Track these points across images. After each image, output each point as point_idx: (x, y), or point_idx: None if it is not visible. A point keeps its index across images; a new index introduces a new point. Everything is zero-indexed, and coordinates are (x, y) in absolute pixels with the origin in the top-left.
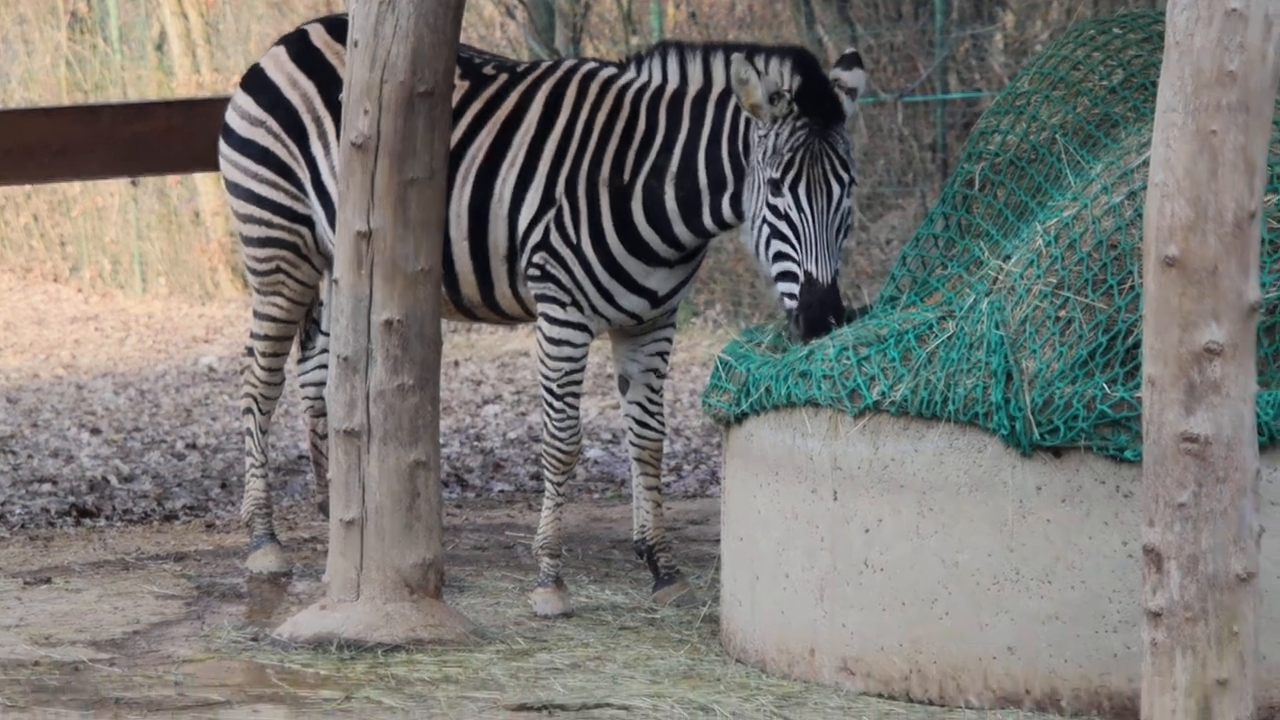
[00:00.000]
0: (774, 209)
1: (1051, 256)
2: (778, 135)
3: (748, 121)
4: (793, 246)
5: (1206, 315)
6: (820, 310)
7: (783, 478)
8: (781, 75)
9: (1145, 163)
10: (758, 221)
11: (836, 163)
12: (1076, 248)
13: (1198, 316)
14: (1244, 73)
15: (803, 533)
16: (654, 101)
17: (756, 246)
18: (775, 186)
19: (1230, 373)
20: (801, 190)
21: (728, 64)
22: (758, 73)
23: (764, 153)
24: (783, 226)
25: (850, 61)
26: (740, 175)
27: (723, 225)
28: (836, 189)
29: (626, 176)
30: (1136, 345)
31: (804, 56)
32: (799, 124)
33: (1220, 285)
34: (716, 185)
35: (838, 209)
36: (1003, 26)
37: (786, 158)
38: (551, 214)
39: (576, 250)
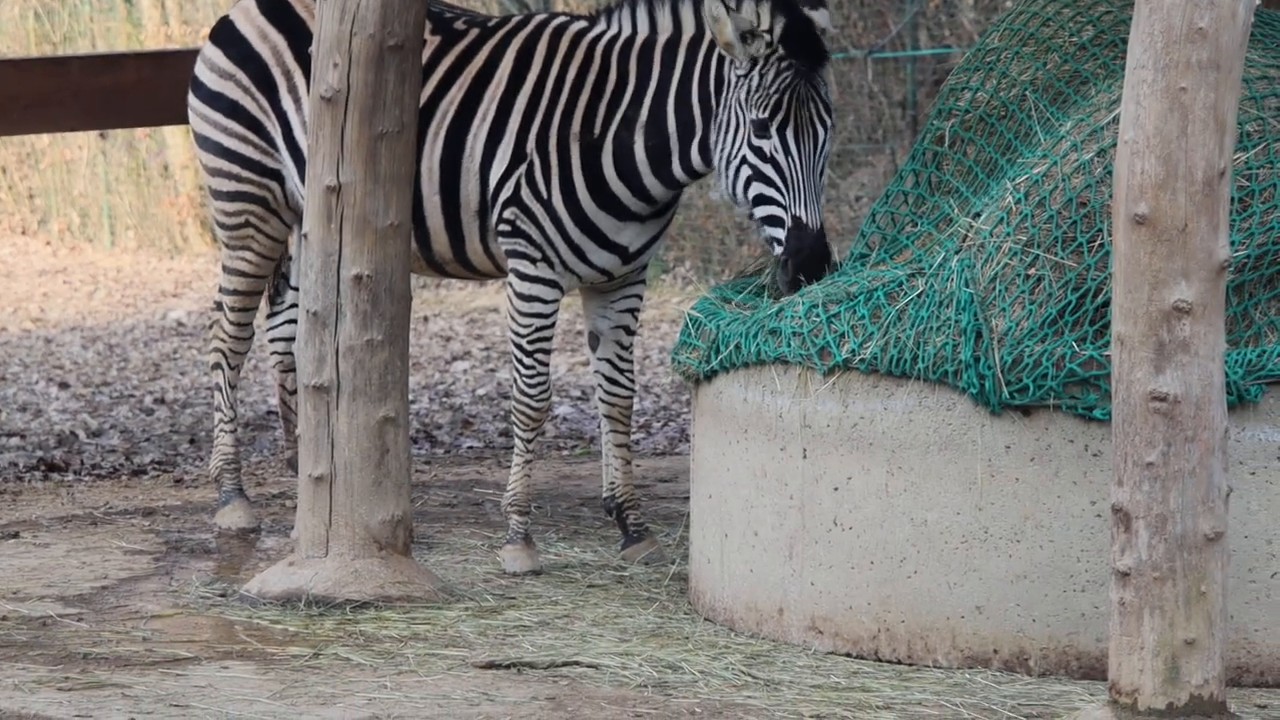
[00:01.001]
0: (758, 150)
1: (1021, 214)
2: (762, 75)
3: (719, 64)
4: (779, 190)
5: (1176, 274)
6: (811, 256)
7: (752, 435)
8: (759, 15)
9: (1115, 120)
10: (735, 162)
11: (820, 106)
12: (1046, 205)
13: (1167, 275)
14: (1214, 30)
15: (772, 491)
16: (624, 53)
17: (733, 188)
18: (762, 128)
19: (1199, 331)
20: (789, 133)
21: (697, 10)
22: (727, 9)
23: (746, 93)
24: (768, 169)
25: (815, 1)
26: (709, 120)
27: (692, 174)
28: (821, 132)
29: (597, 130)
30: (1106, 303)
31: None
32: (784, 65)
33: (1190, 244)
34: (685, 132)
35: (822, 152)
36: None
37: (774, 99)
38: (522, 169)
39: (547, 205)
